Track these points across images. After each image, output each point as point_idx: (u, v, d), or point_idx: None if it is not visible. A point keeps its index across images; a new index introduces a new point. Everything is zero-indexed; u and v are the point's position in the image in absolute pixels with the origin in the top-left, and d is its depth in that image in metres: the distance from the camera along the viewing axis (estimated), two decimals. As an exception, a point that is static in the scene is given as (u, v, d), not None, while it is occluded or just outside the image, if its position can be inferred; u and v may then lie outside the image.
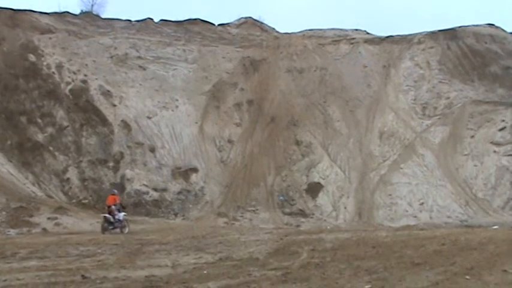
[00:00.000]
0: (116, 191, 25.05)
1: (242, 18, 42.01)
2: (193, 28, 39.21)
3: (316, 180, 32.54)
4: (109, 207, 23.17)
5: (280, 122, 35.19)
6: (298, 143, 34.25)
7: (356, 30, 42.67)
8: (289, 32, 41.68)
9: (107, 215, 22.96)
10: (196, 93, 35.33)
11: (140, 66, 35.13)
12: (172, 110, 34.20)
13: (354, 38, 40.46)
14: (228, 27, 40.89)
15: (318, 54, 39.25)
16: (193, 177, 32.09)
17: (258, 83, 37.14)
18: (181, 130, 33.30)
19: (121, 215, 23.29)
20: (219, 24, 40.57)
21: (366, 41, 40.10)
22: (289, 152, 33.64)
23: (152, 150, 32.22)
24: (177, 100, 34.74)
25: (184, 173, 32.08)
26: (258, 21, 42.19)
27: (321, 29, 42.18)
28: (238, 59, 37.85)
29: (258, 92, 36.73)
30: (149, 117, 33.09)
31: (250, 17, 42.02)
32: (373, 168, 33.34)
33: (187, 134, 33.31)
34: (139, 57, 35.44)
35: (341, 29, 42.49)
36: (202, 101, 35.20)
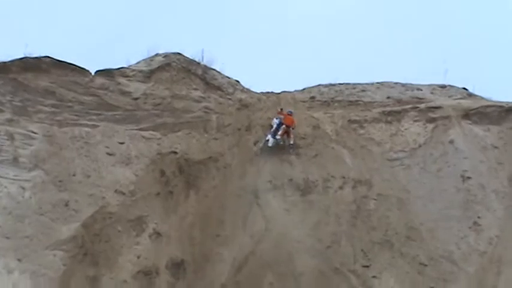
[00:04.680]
0: (291, 111, 30.00)
1: (159, 55, 30.61)
2: (35, 81, 27.97)
3: None
4: (288, 127, 29.28)
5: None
6: None
7: (441, 86, 30.58)
8: (275, 90, 31.55)
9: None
10: (40, 248, 25.48)
11: None
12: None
13: (436, 108, 29.47)
14: (125, 78, 29.79)
15: (348, 146, 29.17)
16: None
17: (199, 218, 27.54)
18: None
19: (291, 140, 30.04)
20: (99, 71, 28.89)
21: (467, 115, 28.80)
22: None
23: None
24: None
25: None
26: (197, 63, 31.22)
27: (349, 84, 31.11)
28: (148, 160, 28.05)
29: (195, 245, 27.28)
30: None
31: (178, 53, 30.83)
32: None
33: None
34: None
35: (400, 84, 30.87)
36: (55, 266, 25.24)
